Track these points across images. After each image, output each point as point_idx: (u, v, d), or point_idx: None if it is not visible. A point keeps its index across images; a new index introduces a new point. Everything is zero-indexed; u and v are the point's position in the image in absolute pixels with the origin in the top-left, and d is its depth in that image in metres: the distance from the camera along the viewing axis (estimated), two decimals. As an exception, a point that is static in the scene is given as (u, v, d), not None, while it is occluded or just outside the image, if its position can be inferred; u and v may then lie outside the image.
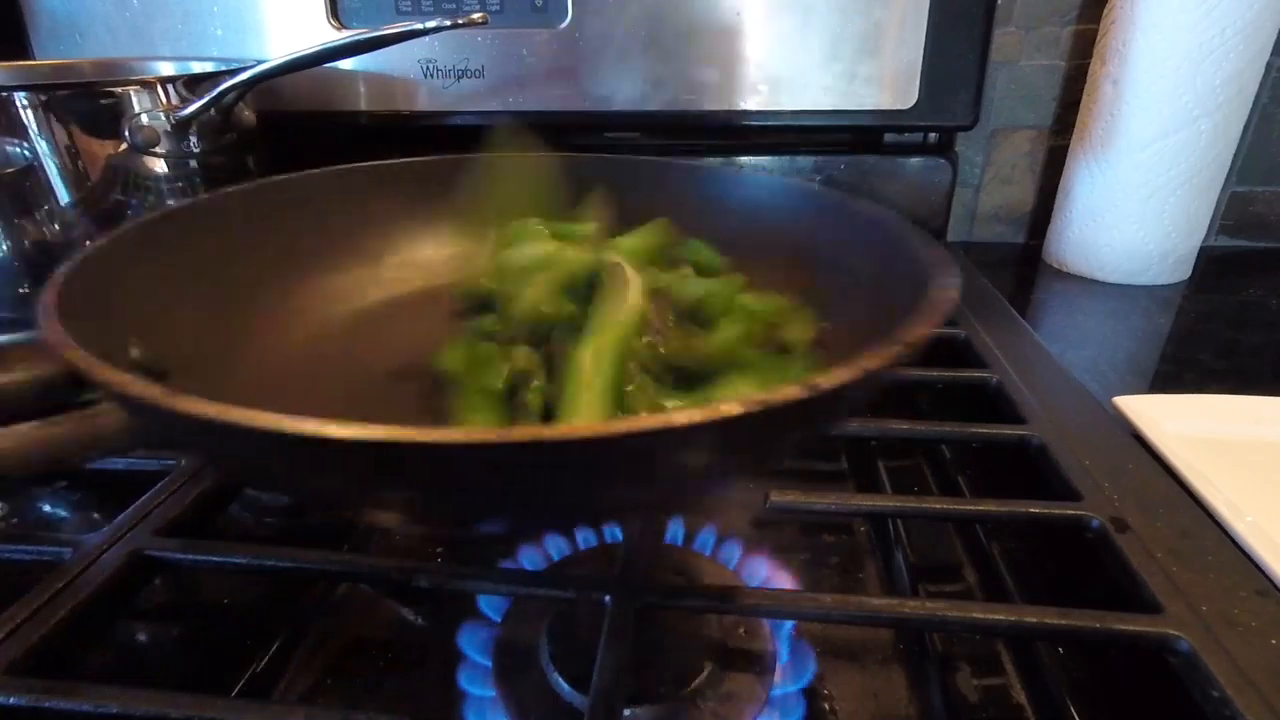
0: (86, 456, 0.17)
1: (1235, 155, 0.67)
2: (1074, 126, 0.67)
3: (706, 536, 0.36)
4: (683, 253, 0.33)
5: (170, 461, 0.36)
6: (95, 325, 0.18)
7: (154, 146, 0.47)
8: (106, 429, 0.17)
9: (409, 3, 0.60)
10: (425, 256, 0.36)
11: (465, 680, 0.29)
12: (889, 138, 0.68)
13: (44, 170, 0.44)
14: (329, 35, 0.61)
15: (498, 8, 0.59)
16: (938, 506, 0.33)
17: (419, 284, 0.35)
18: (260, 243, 0.31)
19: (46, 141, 0.44)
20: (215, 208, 0.30)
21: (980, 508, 0.32)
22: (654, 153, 0.69)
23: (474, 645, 0.30)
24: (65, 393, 0.16)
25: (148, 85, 0.47)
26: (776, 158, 0.67)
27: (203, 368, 0.25)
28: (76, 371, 0.15)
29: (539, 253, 0.29)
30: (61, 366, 0.15)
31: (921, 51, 0.59)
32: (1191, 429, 0.40)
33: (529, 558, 0.34)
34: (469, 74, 0.62)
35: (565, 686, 0.27)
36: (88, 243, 0.22)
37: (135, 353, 0.20)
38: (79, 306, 0.18)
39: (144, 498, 0.34)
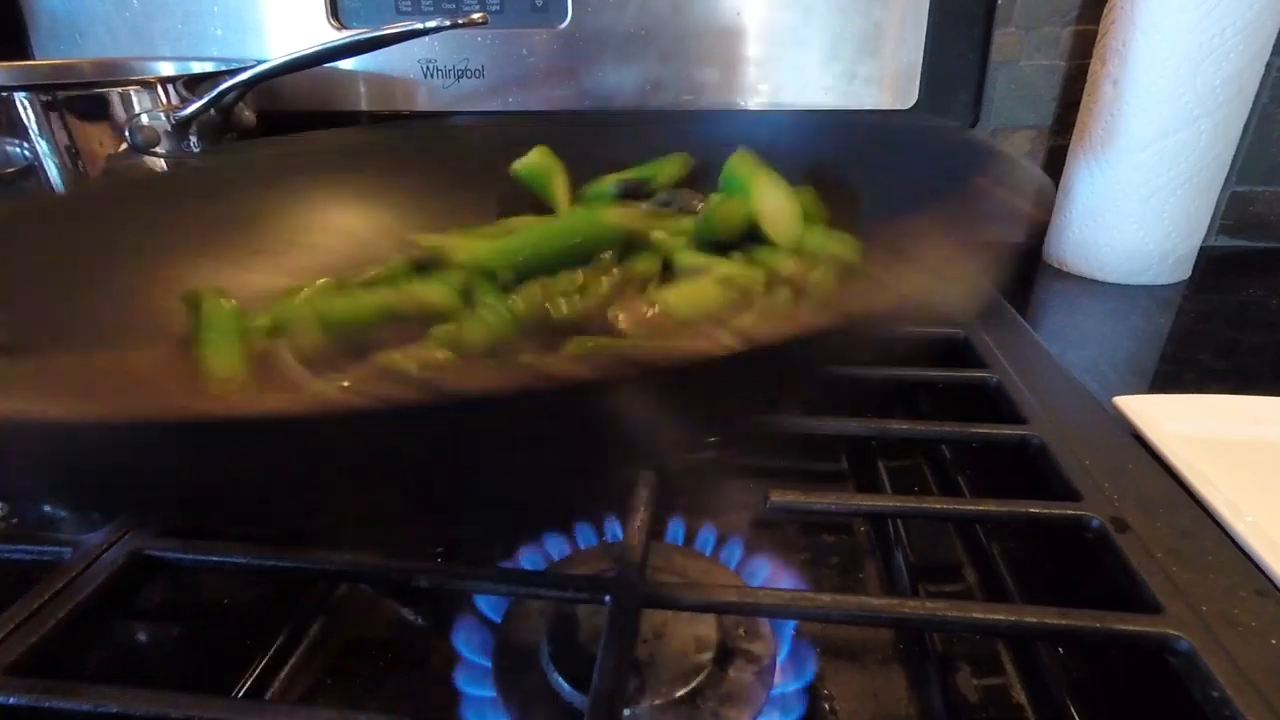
0: None
1: (1235, 155, 0.67)
2: (1074, 126, 0.67)
3: (707, 537, 0.36)
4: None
5: (170, 461, 0.36)
6: None
7: (154, 146, 0.47)
8: None
9: (409, 3, 0.60)
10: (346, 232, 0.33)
11: (464, 681, 0.29)
12: (889, 138, 0.68)
13: (44, 170, 0.44)
14: (329, 35, 0.61)
15: (498, 8, 0.59)
16: (938, 506, 0.33)
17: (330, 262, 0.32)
18: (160, 227, 0.29)
19: (46, 141, 0.44)
20: (99, 192, 0.28)
21: (980, 508, 0.32)
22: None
23: (473, 646, 0.30)
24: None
25: (148, 85, 0.47)
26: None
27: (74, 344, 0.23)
28: None
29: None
30: None
31: (921, 51, 0.59)
32: (1191, 429, 0.40)
33: (529, 558, 0.34)
34: (469, 74, 0.62)
35: (565, 686, 0.27)
36: None
37: None
38: None
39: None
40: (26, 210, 0.25)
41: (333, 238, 0.32)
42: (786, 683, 0.29)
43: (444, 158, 0.34)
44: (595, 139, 0.36)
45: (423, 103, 0.64)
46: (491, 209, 0.34)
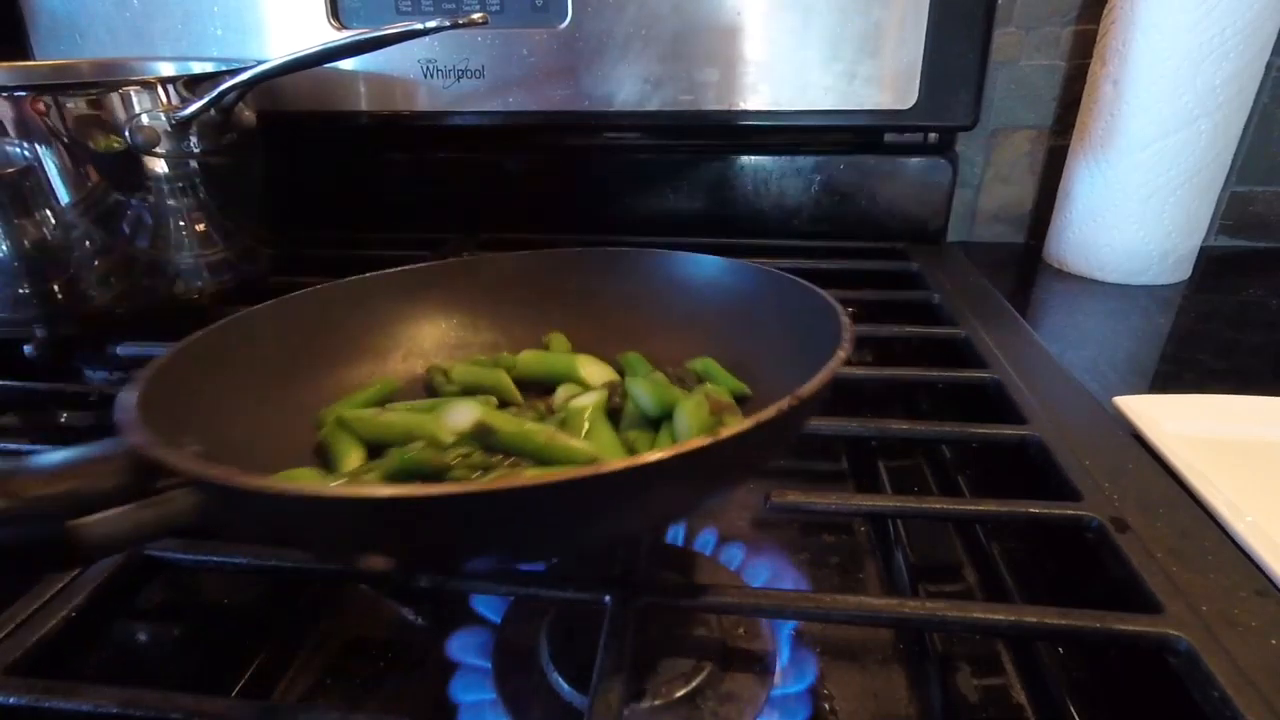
0: (164, 532, 0.21)
1: (1235, 155, 0.67)
2: (1074, 126, 0.67)
3: (707, 537, 0.36)
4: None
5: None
6: (164, 429, 0.22)
7: (154, 146, 0.47)
8: (183, 509, 0.20)
9: (409, 3, 0.60)
10: (427, 347, 0.39)
11: (462, 686, 0.29)
12: (889, 138, 0.68)
13: (44, 170, 0.44)
14: (329, 35, 0.61)
15: (498, 8, 0.59)
16: (938, 506, 0.33)
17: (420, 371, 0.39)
18: (283, 348, 0.34)
19: (46, 142, 0.44)
20: (251, 322, 0.33)
21: (980, 508, 0.32)
22: (654, 153, 0.69)
23: (472, 649, 0.30)
24: (143, 484, 0.20)
25: (148, 85, 0.47)
26: (776, 158, 0.67)
27: (245, 456, 0.27)
28: (162, 467, 0.20)
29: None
30: (140, 465, 0.20)
31: (921, 51, 0.59)
32: (1191, 429, 0.40)
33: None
34: (469, 74, 0.62)
35: (565, 687, 0.27)
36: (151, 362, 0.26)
37: (193, 448, 0.24)
38: (152, 416, 0.23)
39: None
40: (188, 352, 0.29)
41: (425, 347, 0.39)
42: (787, 685, 0.29)
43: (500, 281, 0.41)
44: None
45: (423, 103, 0.64)
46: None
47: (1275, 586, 0.27)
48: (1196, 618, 0.25)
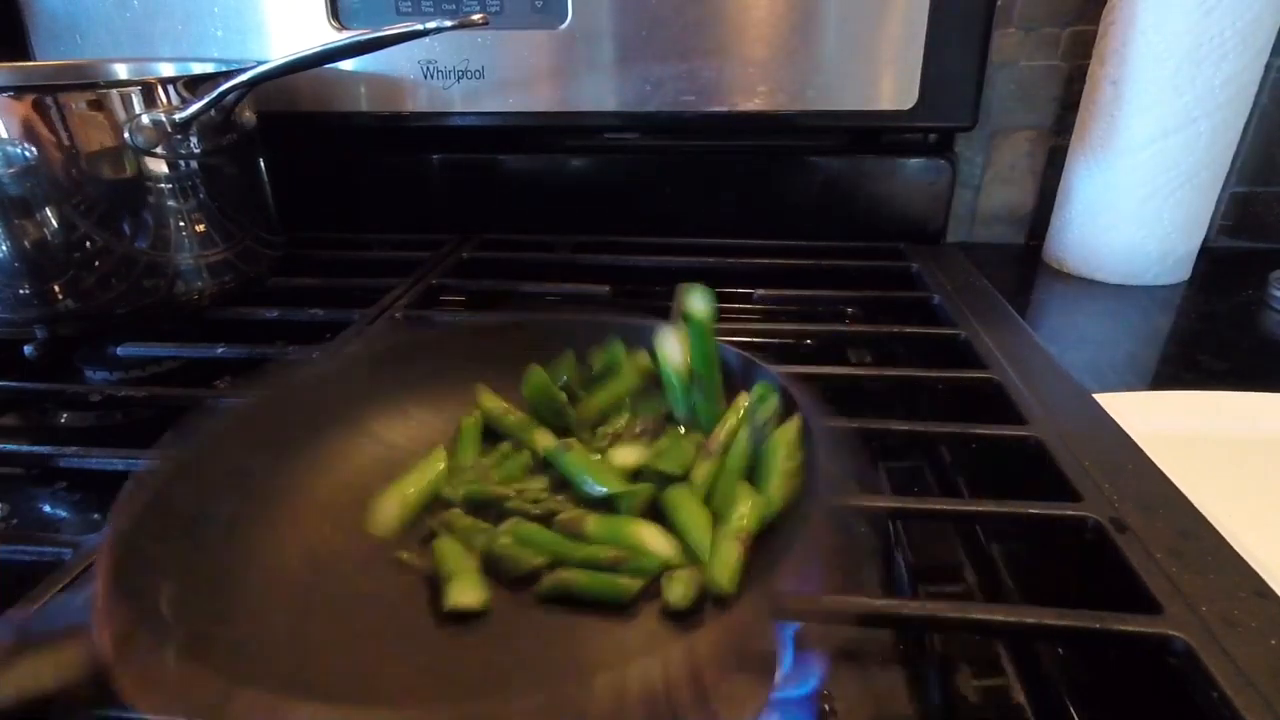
0: None
1: (1235, 155, 0.67)
2: (1074, 126, 0.67)
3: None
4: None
5: (170, 462, 0.36)
6: (135, 593, 0.21)
7: (154, 147, 0.47)
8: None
9: (409, 3, 0.60)
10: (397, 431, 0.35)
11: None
12: (888, 138, 0.68)
13: (44, 170, 0.44)
14: (329, 36, 0.61)
15: (498, 8, 0.60)
16: (938, 507, 0.33)
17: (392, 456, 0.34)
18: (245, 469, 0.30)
19: (46, 142, 0.44)
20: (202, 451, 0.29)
21: (980, 508, 0.32)
22: (653, 153, 0.69)
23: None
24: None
25: (148, 86, 0.47)
26: (776, 158, 0.67)
27: (218, 602, 0.26)
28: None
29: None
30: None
31: (921, 52, 0.59)
32: (1181, 426, 0.40)
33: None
34: (469, 74, 0.62)
35: None
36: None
37: (164, 605, 0.23)
38: (121, 584, 0.21)
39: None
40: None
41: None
42: (789, 688, 0.28)
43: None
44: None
45: (423, 103, 0.64)
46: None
47: (1269, 586, 0.27)
48: (1196, 618, 0.25)
